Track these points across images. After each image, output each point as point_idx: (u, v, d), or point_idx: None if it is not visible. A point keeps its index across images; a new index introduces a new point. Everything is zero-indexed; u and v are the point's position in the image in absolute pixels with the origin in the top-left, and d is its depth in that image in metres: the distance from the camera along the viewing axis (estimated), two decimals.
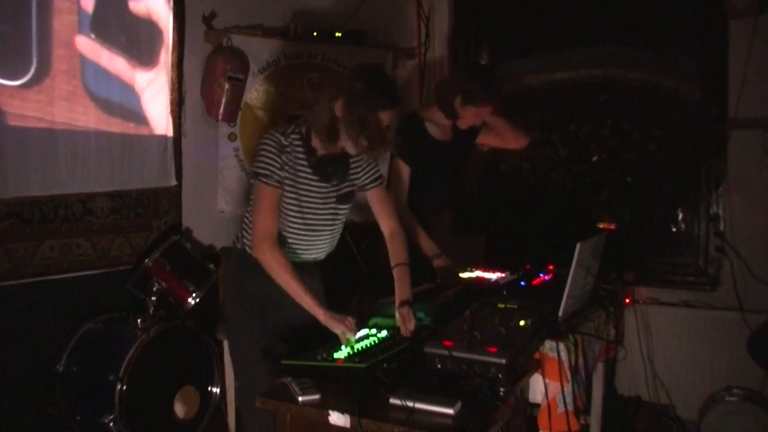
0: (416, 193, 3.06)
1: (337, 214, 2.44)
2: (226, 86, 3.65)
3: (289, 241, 2.39)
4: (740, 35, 3.63)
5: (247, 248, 2.40)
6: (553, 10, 4.20)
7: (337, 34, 4.13)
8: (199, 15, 3.70)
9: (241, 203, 3.84)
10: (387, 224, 2.50)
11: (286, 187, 2.30)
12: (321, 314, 2.18)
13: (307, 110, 3.90)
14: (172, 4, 3.50)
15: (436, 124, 3.09)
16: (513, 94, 4.31)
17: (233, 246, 2.51)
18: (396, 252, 2.45)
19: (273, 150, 2.27)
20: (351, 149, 2.24)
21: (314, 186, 2.35)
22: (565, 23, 4.16)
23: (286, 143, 2.29)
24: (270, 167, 2.26)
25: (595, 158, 4.01)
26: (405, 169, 3.02)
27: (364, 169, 2.44)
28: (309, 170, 2.32)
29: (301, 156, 2.31)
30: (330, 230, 2.47)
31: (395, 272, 2.42)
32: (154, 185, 3.54)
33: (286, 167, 2.28)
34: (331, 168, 2.33)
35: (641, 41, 3.95)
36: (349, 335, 2.13)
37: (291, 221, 2.35)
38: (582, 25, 4.11)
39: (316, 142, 2.31)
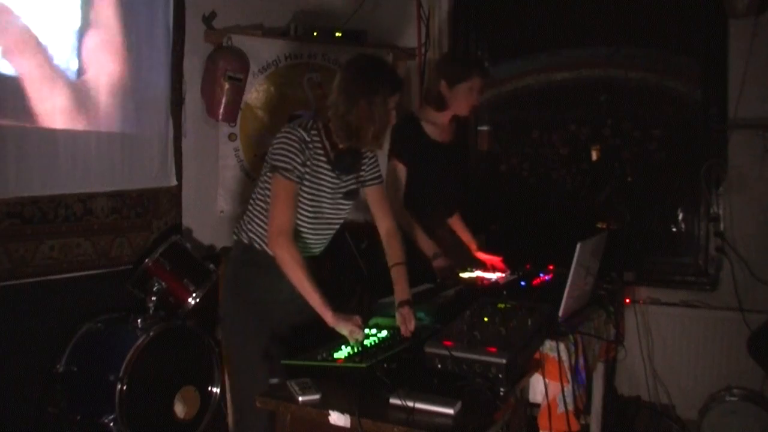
0: (416, 194, 3.06)
1: (342, 210, 2.46)
2: (226, 86, 3.65)
3: (298, 233, 2.39)
4: (740, 35, 3.63)
5: (255, 243, 2.39)
6: (553, 10, 4.19)
7: (337, 34, 4.13)
8: (199, 15, 3.70)
9: (242, 203, 3.84)
10: (384, 223, 2.51)
11: (305, 182, 2.31)
12: (329, 315, 2.18)
13: (307, 109, 3.95)
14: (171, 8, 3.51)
15: (434, 125, 3.10)
16: (513, 94, 4.31)
17: (237, 239, 2.50)
18: (393, 252, 2.46)
19: (296, 146, 2.27)
20: (365, 143, 2.30)
21: (327, 181, 2.36)
22: (565, 23, 4.16)
23: (308, 139, 2.30)
24: (293, 162, 2.26)
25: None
26: (402, 169, 3.03)
27: (368, 166, 2.48)
28: (326, 166, 2.35)
29: (320, 151, 2.33)
30: (334, 226, 2.48)
31: (393, 272, 2.42)
32: (154, 185, 3.54)
33: (308, 162, 2.30)
34: (349, 161, 2.36)
35: (641, 41, 3.95)
36: (357, 334, 2.13)
37: (303, 215, 2.35)
38: (582, 25, 4.11)
39: (336, 137, 2.34)
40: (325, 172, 2.35)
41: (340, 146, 2.34)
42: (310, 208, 2.35)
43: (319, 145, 2.33)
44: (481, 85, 3.04)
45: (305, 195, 2.33)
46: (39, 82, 2.99)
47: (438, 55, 4.47)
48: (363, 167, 2.46)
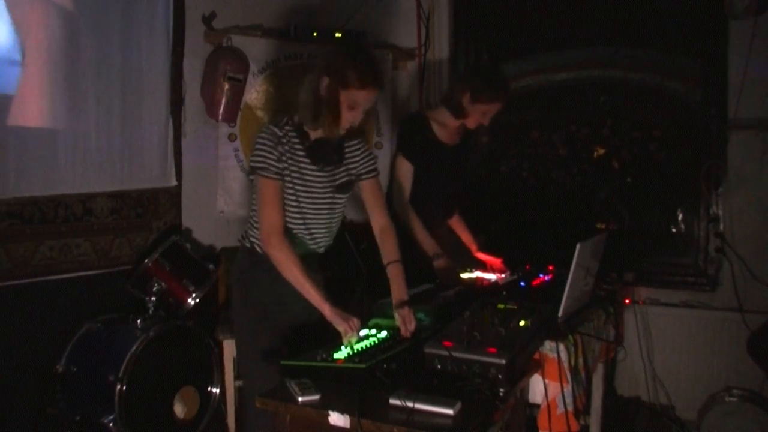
0: (420, 195, 3.05)
1: (335, 204, 2.44)
2: (226, 86, 3.65)
3: (289, 230, 2.38)
4: (740, 35, 3.63)
5: (257, 247, 2.39)
6: (553, 11, 4.19)
7: (337, 34, 4.13)
8: (199, 15, 3.70)
9: (241, 204, 3.84)
10: (378, 219, 2.48)
11: (286, 178, 2.30)
12: (327, 310, 2.18)
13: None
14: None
15: (443, 126, 3.09)
16: (513, 94, 4.30)
17: (241, 244, 2.50)
18: (388, 249, 2.43)
19: (269, 143, 2.27)
20: (332, 128, 2.26)
21: (313, 175, 2.35)
22: (565, 23, 4.16)
23: (281, 134, 2.30)
24: (268, 159, 2.26)
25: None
26: (407, 168, 3.02)
27: (360, 158, 2.45)
28: (306, 159, 2.33)
29: (299, 145, 2.32)
30: (328, 221, 2.45)
31: (389, 270, 2.39)
32: (154, 185, 3.54)
33: (284, 158, 2.29)
34: (324, 150, 2.33)
35: (641, 41, 3.95)
36: (350, 335, 2.12)
37: (295, 212, 2.35)
38: (582, 25, 4.11)
39: (308, 128, 2.32)
40: (307, 165, 2.33)
41: (312, 136, 2.33)
42: (298, 205, 2.34)
43: (296, 140, 2.32)
44: (500, 109, 3.02)
45: (293, 191, 2.32)
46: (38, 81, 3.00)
47: (437, 55, 4.48)
48: (353, 159, 2.43)
